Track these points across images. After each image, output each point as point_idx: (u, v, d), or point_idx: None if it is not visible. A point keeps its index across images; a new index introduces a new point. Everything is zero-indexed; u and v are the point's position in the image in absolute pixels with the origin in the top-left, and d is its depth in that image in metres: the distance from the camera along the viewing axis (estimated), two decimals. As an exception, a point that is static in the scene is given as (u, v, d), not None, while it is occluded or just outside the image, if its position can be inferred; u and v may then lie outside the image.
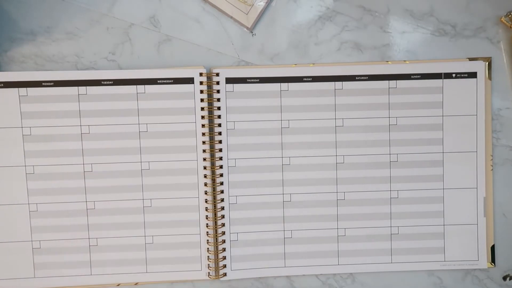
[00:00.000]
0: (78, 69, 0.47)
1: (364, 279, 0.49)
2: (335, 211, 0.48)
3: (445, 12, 0.49)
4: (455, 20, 0.49)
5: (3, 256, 0.46)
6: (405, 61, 0.49)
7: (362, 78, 0.48)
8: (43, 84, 0.46)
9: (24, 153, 0.46)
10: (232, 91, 0.47)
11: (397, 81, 0.48)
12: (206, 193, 0.47)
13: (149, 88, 0.46)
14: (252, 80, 0.47)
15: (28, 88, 0.45)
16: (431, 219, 0.49)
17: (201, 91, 0.47)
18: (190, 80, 0.47)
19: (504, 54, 0.50)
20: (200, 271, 0.48)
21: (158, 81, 0.46)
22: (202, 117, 0.47)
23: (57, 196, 0.47)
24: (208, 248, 0.48)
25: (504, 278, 0.50)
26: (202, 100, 0.47)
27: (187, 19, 0.48)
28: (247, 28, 0.48)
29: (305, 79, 0.47)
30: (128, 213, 0.47)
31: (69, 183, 0.47)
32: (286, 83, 0.47)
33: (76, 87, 0.46)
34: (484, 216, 0.49)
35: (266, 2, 0.48)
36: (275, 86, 0.47)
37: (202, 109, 0.47)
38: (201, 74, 0.47)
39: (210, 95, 0.47)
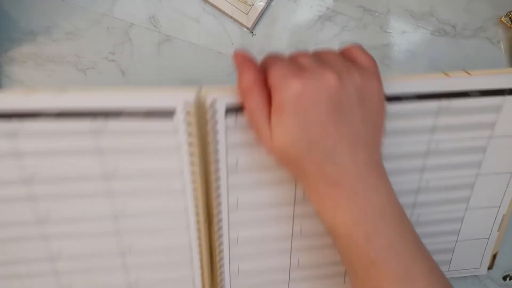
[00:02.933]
0: (78, 70, 0.47)
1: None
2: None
3: (445, 12, 0.49)
4: (455, 20, 0.49)
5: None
6: (466, 72, 0.38)
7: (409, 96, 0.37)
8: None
9: None
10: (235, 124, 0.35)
11: (451, 100, 0.38)
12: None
13: (112, 124, 0.34)
14: None
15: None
16: (445, 237, 0.46)
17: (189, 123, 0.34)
18: (170, 114, 0.34)
19: (504, 54, 0.50)
20: None
21: (124, 114, 0.33)
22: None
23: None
24: None
25: (504, 278, 0.50)
26: (189, 134, 0.35)
27: (187, 19, 0.48)
28: (247, 28, 0.48)
29: None
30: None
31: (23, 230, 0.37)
32: None
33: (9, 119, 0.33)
34: (498, 231, 0.47)
35: (266, 2, 0.48)
36: None
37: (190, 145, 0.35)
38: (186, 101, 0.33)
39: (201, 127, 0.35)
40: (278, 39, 0.49)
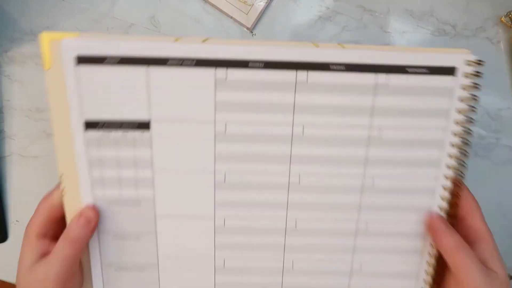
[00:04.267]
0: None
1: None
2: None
3: (445, 12, 0.49)
4: (455, 20, 0.49)
5: (182, 274, 0.38)
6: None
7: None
8: (249, 64, 0.32)
9: (215, 155, 0.35)
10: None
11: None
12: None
13: (394, 78, 0.33)
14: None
15: (229, 70, 0.32)
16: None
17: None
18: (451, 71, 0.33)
19: (504, 54, 0.50)
20: None
21: (408, 70, 0.33)
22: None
23: (252, 212, 0.36)
24: None
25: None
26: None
27: (187, 19, 0.48)
28: (247, 28, 0.48)
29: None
30: (337, 233, 0.37)
31: (265, 195, 0.36)
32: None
33: (294, 71, 0.33)
34: None
35: (266, 2, 0.48)
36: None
37: None
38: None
39: None
40: (278, 39, 0.49)
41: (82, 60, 0.32)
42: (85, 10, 0.47)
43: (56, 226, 0.36)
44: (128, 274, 0.37)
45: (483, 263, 0.37)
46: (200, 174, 0.35)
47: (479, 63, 0.33)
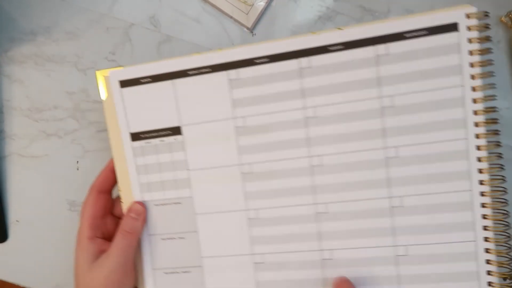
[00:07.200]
0: (78, 70, 0.47)
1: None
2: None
3: (445, 12, 0.49)
4: (455, 20, 0.49)
5: (220, 274, 0.38)
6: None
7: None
8: (255, 62, 0.36)
9: (238, 149, 0.37)
10: None
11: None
12: (482, 183, 0.33)
13: (394, 46, 0.33)
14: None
15: (239, 70, 0.36)
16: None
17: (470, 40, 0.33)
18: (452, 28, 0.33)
19: (504, 54, 0.50)
20: None
21: (406, 36, 0.33)
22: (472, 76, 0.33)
23: (280, 198, 0.36)
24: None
25: (504, 278, 0.50)
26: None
27: (187, 19, 0.48)
28: (247, 28, 0.48)
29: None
30: (371, 216, 0.35)
31: (290, 182, 0.36)
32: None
33: (296, 59, 0.35)
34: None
35: (266, 2, 0.48)
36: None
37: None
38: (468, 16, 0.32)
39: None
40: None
41: (124, 83, 0.38)
42: (85, 10, 0.47)
43: (104, 226, 0.40)
44: (175, 276, 0.39)
45: None
46: (227, 168, 0.37)
47: (485, 14, 0.32)
